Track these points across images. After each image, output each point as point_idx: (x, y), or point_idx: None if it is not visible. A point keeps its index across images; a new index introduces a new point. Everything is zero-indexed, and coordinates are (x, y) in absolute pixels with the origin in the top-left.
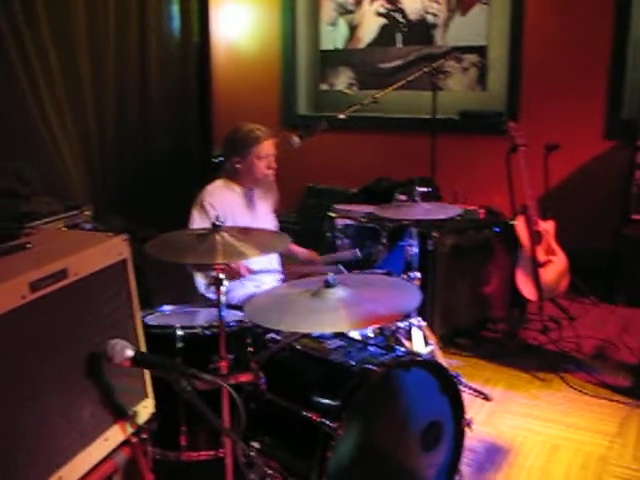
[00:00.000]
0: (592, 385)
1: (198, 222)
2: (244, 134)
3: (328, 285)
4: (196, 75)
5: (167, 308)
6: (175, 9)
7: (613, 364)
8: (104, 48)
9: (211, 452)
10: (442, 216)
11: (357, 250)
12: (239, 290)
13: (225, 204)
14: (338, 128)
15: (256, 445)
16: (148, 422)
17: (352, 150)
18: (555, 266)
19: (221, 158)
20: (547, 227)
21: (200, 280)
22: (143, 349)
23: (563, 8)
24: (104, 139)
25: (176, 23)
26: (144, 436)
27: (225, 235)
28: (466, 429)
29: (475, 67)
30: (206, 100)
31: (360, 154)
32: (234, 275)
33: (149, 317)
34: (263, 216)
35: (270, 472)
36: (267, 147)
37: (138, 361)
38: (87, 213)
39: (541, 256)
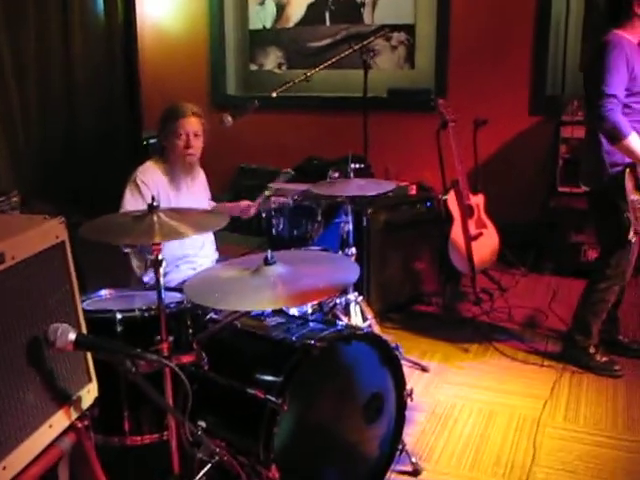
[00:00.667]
0: (524, 352)
1: (131, 202)
2: (167, 112)
3: (267, 262)
4: (122, 55)
5: (103, 293)
6: None
7: (542, 332)
8: (25, 31)
9: (155, 435)
10: (375, 192)
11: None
12: (175, 274)
13: (155, 184)
14: (269, 108)
15: (202, 424)
16: (91, 407)
17: (283, 130)
18: (486, 239)
19: (152, 140)
20: (477, 201)
21: (136, 263)
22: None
23: None
24: (27, 123)
25: (100, 3)
26: (86, 422)
27: (162, 215)
28: (407, 400)
29: (403, 45)
30: (133, 81)
31: (291, 133)
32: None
33: (86, 302)
34: (191, 196)
35: (217, 450)
36: (185, 124)
37: (81, 344)
38: (15, 199)
39: (472, 229)
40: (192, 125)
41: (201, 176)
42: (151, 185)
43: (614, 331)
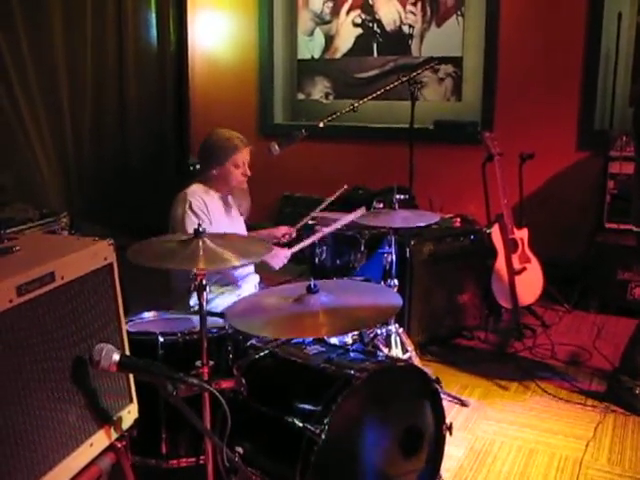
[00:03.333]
0: (566, 391)
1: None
2: (223, 141)
3: (310, 291)
4: (173, 83)
5: (146, 315)
6: (152, 18)
7: (586, 370)
8: (81, 55)
9: (192, 459)
10: (420, 224)
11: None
12: (220, 300)
13: (207, 208)
14: (315, 137)
15: (240, 450)
16: (131, 428)
17: (328, 159)
18: (530, 274)
19: (197, 165)
20: (522, 235)
21: (182, 287)
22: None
23: (537, 20)
24: (80, 147)
25: (153, 32)
26: (125, 443)
27: (207, 241)
28: (446, 434)
29: (450, 77)
30: (183, 108)
31: (336, 163)
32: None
33: (129, 324)
34: (238, 221)
35: (253, 477)
36: (244, 154)
37: (124, 365)
38: (64, 220)
39: (516, 264)
40: (248, 155)
41: (245, 203)
42: (204, 209)
43: None
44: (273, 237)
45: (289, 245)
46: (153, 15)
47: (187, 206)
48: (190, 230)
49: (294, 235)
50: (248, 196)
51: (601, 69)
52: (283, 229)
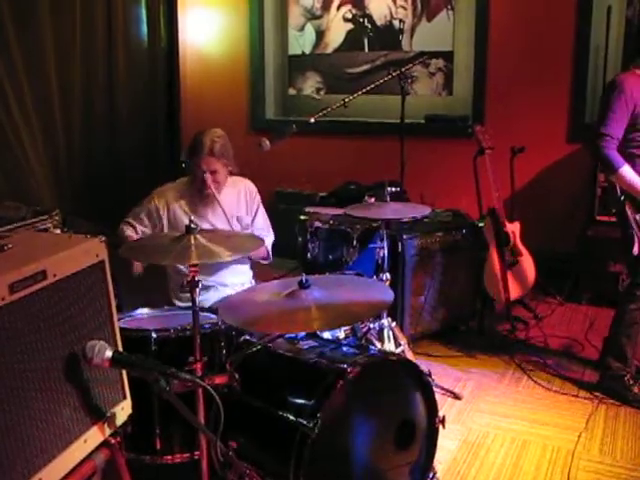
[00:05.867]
0: (559, 382)
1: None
2: (194, 139)
3: (302, 286)
4: (164, 80)
5: (140, 312)
6: (143, 14)
7: (579, 362)
8: (71, 52)
9: (186, 455)
10: (412, 215)
11: None
12: (213, 293)
13: (160, 212)
14: (306, 132)
15: (233, 445)
16: (125, 424)
17: (320, 154)
18: (521, 266)
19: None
20: (513, 228)
21: (175, 282)
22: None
23: (527, 14)
24: (71, 144)
25: (144, 28)
26: (119, 439)
27: (199, 237)
28: (439, 427)
29: (441, 72)
30: (174, 105)
31: (328, 158)
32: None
33: (122, 321)
34: (211, 219)
35: (247, 472)
36: (205, 162)
37: (117, 361)
38: (56, 218)
39: (508, 257)
40: (209, 164)
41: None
42: (157, 214)
43: None
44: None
45: None
46: (143, 11)
47: (145, 202)
48: (129, 217)
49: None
50: (215, 204)
51: (591, 62)
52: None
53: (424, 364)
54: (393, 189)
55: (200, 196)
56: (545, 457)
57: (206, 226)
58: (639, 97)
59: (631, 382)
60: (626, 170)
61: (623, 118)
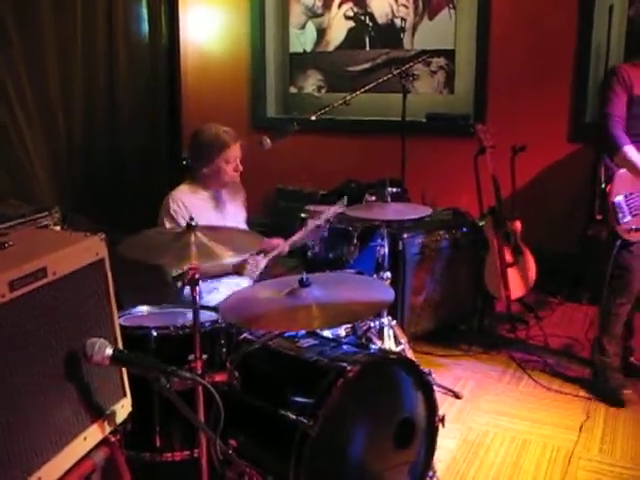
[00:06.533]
0: (559, 382)
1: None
2: (211, 138)
3: (302, 284)
4: (165, 78)
5: (140, 309)
6: (143, 12)
7: (579, 361)
8: (71, 49)
9: (186, 452)
10: (412, 216)
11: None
12: (215, 294)
13: (192, 209)
14: (308, 130)
15: (233, 443)
16: (124, 422)
17: (321, 152)
18: (522, 265)
19: (188, 160)
20: (514, 227)
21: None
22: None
23: (528, 13)
24: (72, 142)
25: (145, 26)
26: (119, 437)
27: (199, 235)
28: (439, 425)
29: (443, 70)
30: (175, 102)
31: (329, 156)
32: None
33: (122, 318)
34: (233, 216)
35: (247, 470)
36: (234, 150)
37: (117, 359)
38: (56, 215)
39: (508, 256)
40: (238, 150)
41: (241, 196)
42: (185, 211)
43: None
44: (269, 246)
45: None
46: (144, 9)
47: (164, 211)
48: None
49: (286, 250)
50: (242, 189)
51: (592, 62)
52: (275, 241)
53: (424, 363)
54: (394, 190)
55: (224, 193)
56: (545, 456)
57: (232, 223)
58: (635, 83)
59: (609, 375)
60: (630, 149)
61: (623, 98)
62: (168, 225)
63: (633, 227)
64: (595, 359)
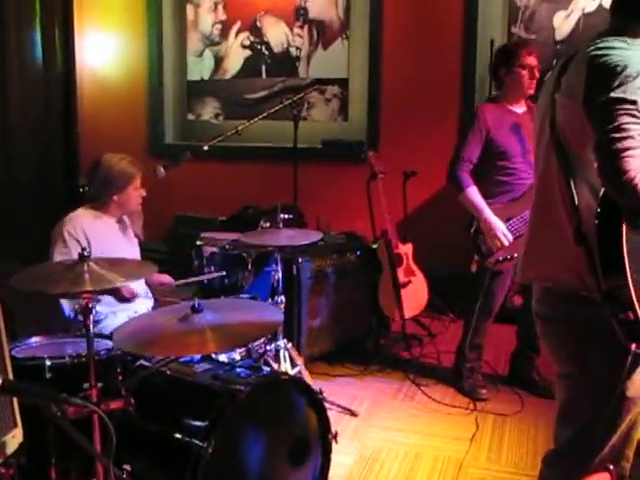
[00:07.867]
0: (451, 396)
1: (59, 257)
2: (121, 169)
3: (194, 310)
4: (60, 103)
5: (34, 340)
6: (37, 37)
7: None
8: None
9: None
10: (304, 242)
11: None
12: (111, 320)
13: (95, 233)
14: (205, 157)
15: (128, 468)
16: (16, 453)
17: (220, 179)
18: (415, 286)
19: (86, 186)
20: (406, 250)
21: (67, 307)
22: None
23: (417, 46)
24: None
25: (38, 51)
26: (11, 471)
27: (92, 264)
28: (332, 442)
29: (337, 98)
30: (71, 129)
31: (227, 183)
32: (121, 297)
33: (16, 349)
34: (133, 244)
35: None
36: (141, 179)
37: (6, 389)
38: None
39: (401, 277)
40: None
41: (138, 223)
42: (81, 235)
43: (529, 369)
44: (152, 282)
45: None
46: (38, 35)
47: (57, 235)
48: (56, 259)
49: (173, 286)
50: (142, 215)
51: (477, 92)
52: (164, 278)
53: (321, 383)
54: (286, 216)
55: (123, 221)
56: (436, 467)
57: (128, 251)
58: (494, 125)
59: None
60: (472, 190)
61: (479, 144)
62: (59, 248)
63: (500, 258)
64: (460, 365)
